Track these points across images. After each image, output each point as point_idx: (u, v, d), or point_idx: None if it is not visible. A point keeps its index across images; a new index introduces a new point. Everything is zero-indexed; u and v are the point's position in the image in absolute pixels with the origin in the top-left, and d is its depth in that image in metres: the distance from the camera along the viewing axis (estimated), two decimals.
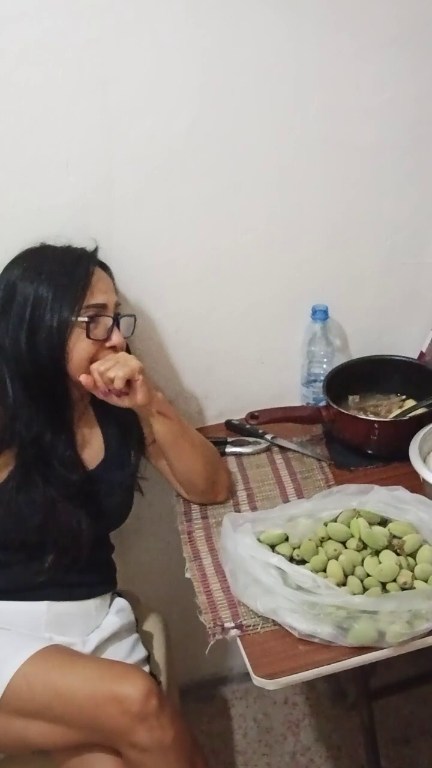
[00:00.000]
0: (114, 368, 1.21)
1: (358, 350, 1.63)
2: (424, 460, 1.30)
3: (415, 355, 1.62)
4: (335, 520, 1.22)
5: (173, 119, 1.34)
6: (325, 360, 1.55)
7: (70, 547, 1.27)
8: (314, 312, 1.53)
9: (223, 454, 1.50)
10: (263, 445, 1.52)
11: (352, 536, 1.19)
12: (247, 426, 1.56)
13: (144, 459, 1.41)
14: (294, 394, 1.63)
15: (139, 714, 1.09)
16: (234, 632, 1.12)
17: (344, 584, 1.13)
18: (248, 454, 1.51)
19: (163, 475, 1.42)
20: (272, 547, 1.19)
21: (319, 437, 1.53)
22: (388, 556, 1.15)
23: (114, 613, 1.38)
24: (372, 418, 1.46)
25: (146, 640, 1.43)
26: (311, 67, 1.36)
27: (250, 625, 1.12)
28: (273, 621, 1.11)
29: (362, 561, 1.16)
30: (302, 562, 1.17)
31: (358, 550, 1.17)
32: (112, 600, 1.41)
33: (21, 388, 1.23)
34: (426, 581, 1.12)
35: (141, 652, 1.37)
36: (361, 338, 1.63)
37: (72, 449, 1.29)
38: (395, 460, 1.39)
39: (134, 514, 1.44)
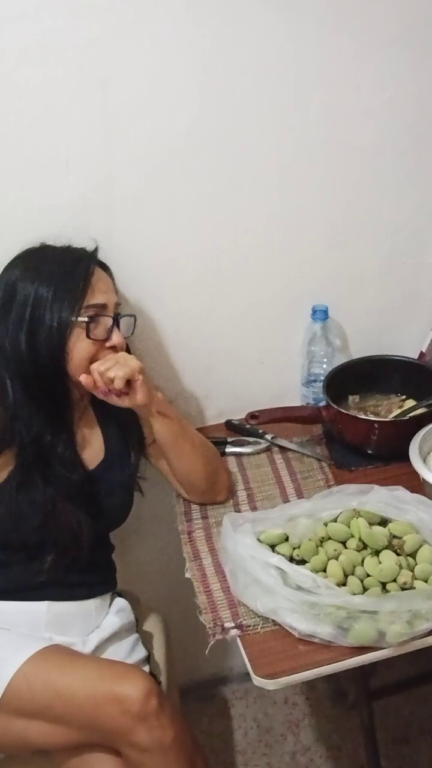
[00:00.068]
0: (114, 368, 1.21)
1: (358, 350, 1.63)
2: (424, 460, 1.30)
3: (415, 355, 1.62)
4: (335, 520, 1.22)
5: (173, 119, 1.34)
6: (325, 360, 1.55)
7: (70, 547, 1.27)
8: (314, 312, 1.53)
9: (223, 454, 1.50)
10: (263, 445, 1.52)
11: (352, 536, 1.19)
12: (247, 426, 1.56)
13: (144, 459, 1.41)
14: (294, 394, 1.63)
15: (139, 714, 1.09)
16: (234, 632, 1.12)
17: (344, 584, 1.13)
18: (248, 454, 1.51)
19: (163, 475, 1.42)
20: (272, 547, 1.19)
21: (319, 437, 1.53)
22: (388, 556, 1.15)
23: (114, 613, 1.38)
24: (372, 418, 1.46)
25: (146, 640, 1.43)
26: (311, 67, 1.36)
27: (250, 625, 1.12)
28: (273, 621, 1.11)
29: (362, 561, 1.16)
30: (302, 562, 1.17)
31: (358, 550, 1.17)
32: (112, 600, 1.41)
33: (21, 388, 1.23)
34: (426, 581, 1.12)
35: (141, 652, 1.37)
36: (361, 338, 1.63)
37: (72, 449, 1.29)
38: (395, 460, 1.38)
39: (134, 514, 1.44)
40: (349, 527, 1.20)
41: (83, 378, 1.22)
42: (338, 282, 1.57)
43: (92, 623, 1.34)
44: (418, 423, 1.37)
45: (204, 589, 1.21)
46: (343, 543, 1.19)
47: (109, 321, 1.26)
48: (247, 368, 1.61)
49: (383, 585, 1.12)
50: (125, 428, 1.37)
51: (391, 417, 1.47)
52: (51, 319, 1.20)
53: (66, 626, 1.29)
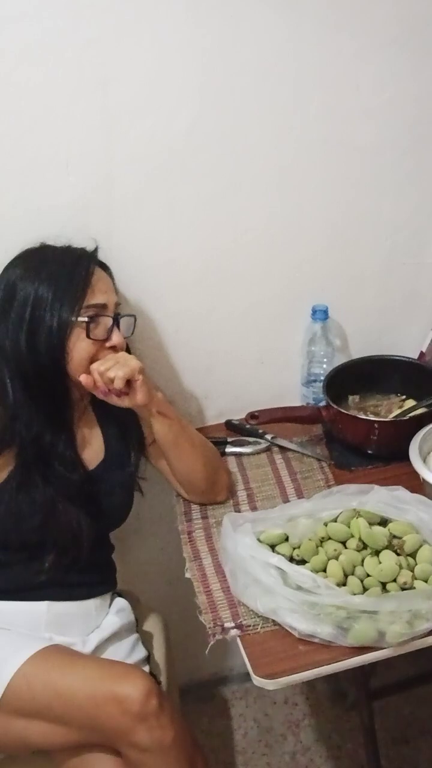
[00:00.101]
0: (114, 368, 1.21)
1: (358, 350, 1.63)
2: (424, 460, 1.30)
3: (415, 355, 1.62)
4: (335, 520, 1.22)
5: (173, 119, 1.34)
6: (325, 360, 1.55)
7: (70, 547, 1.27)
8: (314, 312, 1.53)
9: (223, 454, 1.50)
10: (263, 445, 1.52)
11: (352, 536, 1.19)
12: (247, 426, 1.56)
13: (144, 459, 1.41)
14: (294, 394, 1.63)
15: (139, 714, 1.09)
16: (234, 632, 1.12)
17: (344, 584, 1.13)
18: (248, 454, 1.51)
19: (163, 475, 1.42)
20: (272, 547, 1.19)
21: (319, 437, 1.53)
22: (388, 556, 1.15)
23: (114, 613, 1.38)
24: (372, 418, 1.46)
25: (146, 640, 1.43)
26: (311, 67, 1.36)
27: (250, 625, 1.12)
28: (273, 621, 1.11)
29: (362, 561, 1.16)
30: (302, 562, 1.17)
31: (358, 550, 1.17)
32: (112, 600, 1.41)
33: (21, 388, 1.23)
34: (426, 581, 1.12)
35: (141, 652, 1.37)
36: (361, 338, 1.63)
37: (72, 449, 1.29)
38: (395, 460, 1.38)
39: (134, 514, 1.44)
40: (349, 527, 1.20)
41: (83, 378, 1.22)
42: (338, 282, 1.57)
43: (92, 623, 1.34)
44: (418, 423, 1.37)
45: (204, 589, 1.21)
46: (343, 543, 1.19)
47: (109, 321, 1.26)
48: (247, 368, 1.61)
49: (383, 585, 1.12)
50: (125, 428, 1.37)
51: (391, 417, 1.47)
52: (51, 319, 1.20)
53: (66, 626, 1.29)
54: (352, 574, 1.15)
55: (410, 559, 1.15)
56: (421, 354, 1.63)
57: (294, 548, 1.19)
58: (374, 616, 1.04)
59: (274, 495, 1.40)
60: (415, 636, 1.04)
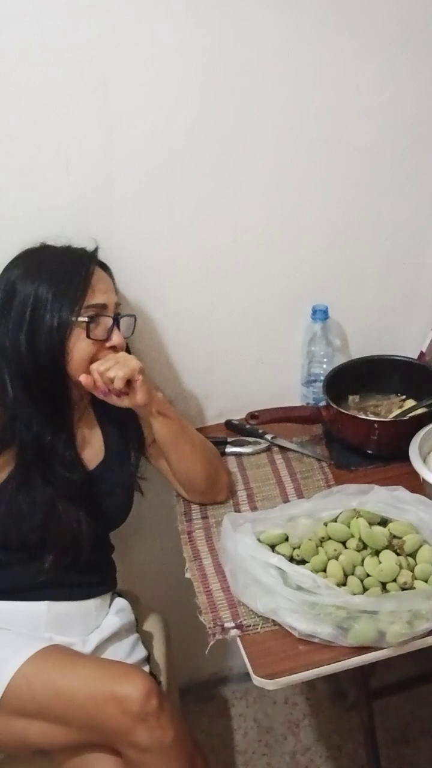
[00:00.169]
0: (114, 368, 1.21)
1: (358, 350, 1.63)
2: (424, 460, 1.30)
3: (415, 355, 1.62)
4: (335, 520, 1.22)
5: (173, 119, 1.34)
6: (325, 360, 1.55)
7: (70, 547, 1.27)
8: (314, 312, 1.53)
9: (223, 454, 1.50)
10: (263, 445, 1.52)
11: (352, 536, 1.19)
12: (247, 426, 1.56)
13: (144, 459, 1.41)
14: (294, 394, 1.63)
15: (139, 714, 1.09)
16: (234, 632, 1.12)
17: (344, 584, 1.13)
18: (248, 454, 1.51)
19: (163, 475, 1.42)
20: (272, 547, 1.19)
21: (319, 437, 1.53)
22: (388, 556, 1.15)
23: (114, 613, 1.38)
24: (372, 418, 1.46)
25: (146, 640, 1.43)
26: (311, 67, 1.36)
27: (250, 625, 1.12)
28: (273, 621, 1.11)
29: (362, 561, 1.16)
30: (302, 562, 1.17)
31: (358, 550, 1.17)
32: (112, 600, 1.41)
33: (21, 388, 1.23)
34: (426, 581, 1.12)
35: (141, 652, 1.37)
36: (361, 338, 1.63)
37: (72, 449, 1.29)
38: (395, 460, 1.38)
39: (134, 514, 1.44)
40: (349, 527, 1.20)
41: (83, 378, 1.22)
42: (338, 282, 1.57)
43: (92, 623, 1.34)
44: (418, 423, 1.37)
45: (204, 589, 1.21)
46: (343, 543, 1.19)
47: (109, 321, 1.26)
48: (247, 368, 1.61)
49: (383, 585, 1.12)
50: (125, 428, 1.37)
51: (391, 417, 1.47)
52: (51, 319, 1.20)
53: (66, 626, 1.29)
54: (352, 574, 1.15)
55: (410, 559, 1.15)
56: (421, 354, 1.63)
57: (294, 548, 1.19)
58: (374, 616, 1.04)
59: (274, 495, 1.40)
60: (415, 636, 1.04)
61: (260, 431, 1.54)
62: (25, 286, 1.22)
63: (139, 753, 1.12)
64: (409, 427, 1.37)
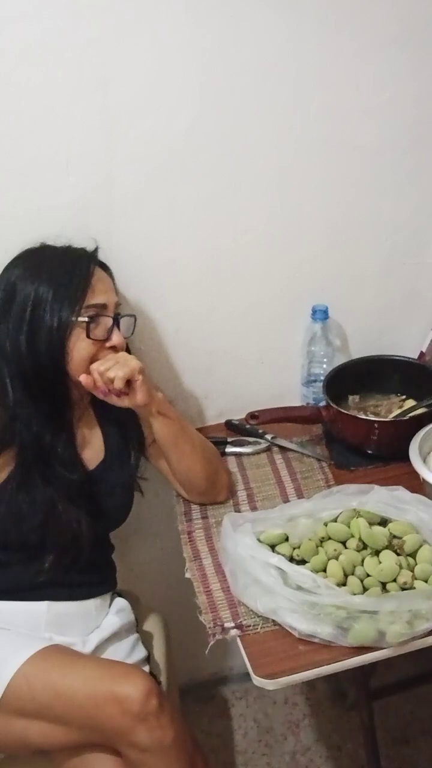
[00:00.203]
0: (114, 368, 1.21)
1: (358, 350, 1.63)
2: (424, 460, 1.30)
3: (415, 355, 1.62)
4: (335, 520, 1.22)
5: (173, 119, 1.34)
6: (325, 360, 1.55)
7: (70, 547, 1.27)
8: (314, 312, 1.53)
9: (223, 454, 1.50)
10: (263, 445, 1.52)
11: (352, 536, 1.19)
12: (247, 426, 1.56)
13: (144, 459, 1.41)
14: (294, 394, 1.62)
15: (139, 714, 1.09)
16: (234, 632, 1.12)
17: (344, 584, 1.13)
18: (248, 454, 1.51)
19: (163, 475, 1.42)
20: (272, 547, 1.19)
21: (319, 437, 1.53)
22: (388, 556, 1.15)
23: (114, 613, 1.38)
24: (372, 418, 1.46)
25: (146, 640, 1.43)
26: (311, 67, 1.36)
27: (250, 625, 1.12)
28: (273, 621, 1.11)
29: (362, 561, 1.16)
30: (302, 562, 1.17)
31: (358, 550, 1.17)
32: (112, 600, 1.41)
33: (21, 388, 1.23)
34: (426, 581, 1.12)
35: (141, 652, 1.37)
36: (361, 338, 1.63)
37: (72, 449, 1.29)
38: (395, 460, 1.38)
39: (134, 514, 1.44)
40: (349, 527, 1.20)
41: (83, 378, 1.22)
42: (338, 282, 1.57)
43: (92, 623, 1.34)
44: (418, 423, 1.37)
45: (204, 589, 1.21)
46: (343, 543, 1.19)
47: (109, 321, 1.26)
48: (247, 368, 1.61)
49: (383, 585, 1.12)
50: (125, 428, 1.37)
51: (391, 417, 1.47)
52: (51, 319, 1.20)
53: (66, 626, 1.29)
54: (352, 574, 1.15)
55: (410, 559, 1.15)
56: (421, 354, 1.63)
57: (294, 548, 1.19)
58: (374, 616, 1.04)
59: (274, 495, 1.40)
60: (415, 636, 1.04)
61: (260, 431, 1.54)
62: (25, 286, 1.22)
63: (139, 753, 1.12)
64: (409, 427, 1.37)
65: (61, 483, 1.26)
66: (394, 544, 1.16)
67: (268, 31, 1.31)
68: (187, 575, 1.26)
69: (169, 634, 1.51)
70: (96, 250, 1.30)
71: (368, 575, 1.14)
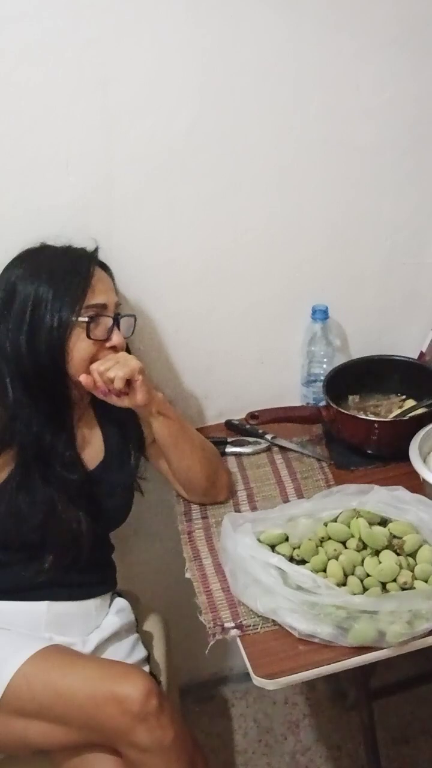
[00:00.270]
0: (114, 368, 1.21)
1: (358, 350, 1.63)
2: (424, 460, 1.30)
3: (415, 355, 1.62)
4: (335, 520, 1.22)
5: (173, 119, 1.34)
6: (325, 360, 1.55)
7: (70, 547, 1.27)
8: (314, 312, 1.53)
9: (223, 454, 1.50)
10: (263, 445, 1.52)
11: (352, 536, 1.19)
12: (247, 426, 1.56)
13: (144, 459, 1.41)
14: (294, 394, 1.62)
15: (139, 714, 1.09)
16: (234, 632, 1.12)
17: (344, 584, 1.13)
18: (248, 454, 1.51)
19: (163, 475, 1.42)
20: (272, 547, 1.19)
21: (319, 437, 1.53)
22: (388, 556, 1.15)
23: (114, 613, 1.38)
24: (372, 418, 1.46)
25: (146, 640, 1.43)
26: (311, 67, 1.36)
27: (250, 625, 1.12)
28: (273, 621, 1.11)
29: (362, 561, 1.16)
30: (302, 562, 1.17)
31: (358, 550, 1.17)
32: (112, 600, 1.41)
33: (21, 388, 1.23)
34: (426, 581, 1.12)
35: (141, 652, 1.37)
36: (361, 338, 1.63)
37: (72, 449, 1.29)
38: (395, 460, 1.38)
39: (134, 514, 1.44)
40: (349, 527, 1.20)
41: (83, 378, 1.22)
42: (338, 282, 1.57)
43: (92, 623, 1.34)
44: (418, 423, 1.37)
45: (204, 589, 1.21)
46: (343, 543, 1.19)
47: (109, 321, 1.26)
48: (247, 368, 1.61)
49: (383, 585, 1.12)
50: (125, 428, 1.37)
51: (391, 417, 1.47)
52: (51, 319, 1.20)
53: (66, 626, 1.29)
54: (352, 574, 1.15)
55: (410, 559, 1.15)
56: (421, 354, 1.63)
57: (294, 548, 1.19)
58: (374, 616, 1.04)
59: (274, 495, 1.40)
60: (415, 636, 1.04)
61: (260, 431, 1.54)
62: (25, 286, 1.22)
63: (139, 753, 1.12)
64: (409, 427, 1.37)
65: (61, 483, 1.26)
66: (394, 544, 1.16)
67: (268, 31, 1.31)
68: (187, 575, 1.26)
69: (169, 634, 1.51)
70: (96, 250, 1.30)
71: (368, 575, 1.14)
